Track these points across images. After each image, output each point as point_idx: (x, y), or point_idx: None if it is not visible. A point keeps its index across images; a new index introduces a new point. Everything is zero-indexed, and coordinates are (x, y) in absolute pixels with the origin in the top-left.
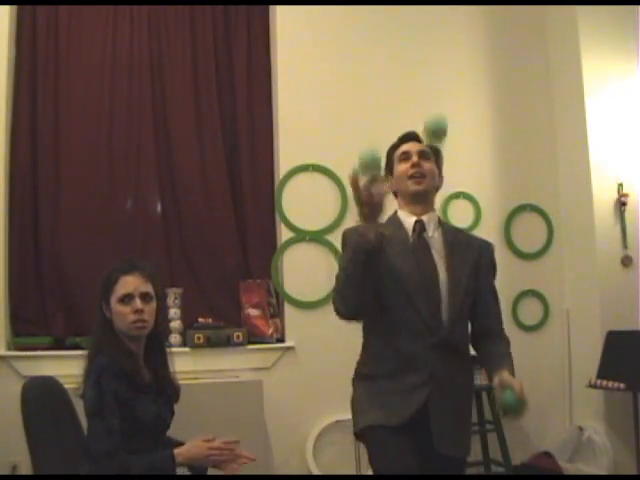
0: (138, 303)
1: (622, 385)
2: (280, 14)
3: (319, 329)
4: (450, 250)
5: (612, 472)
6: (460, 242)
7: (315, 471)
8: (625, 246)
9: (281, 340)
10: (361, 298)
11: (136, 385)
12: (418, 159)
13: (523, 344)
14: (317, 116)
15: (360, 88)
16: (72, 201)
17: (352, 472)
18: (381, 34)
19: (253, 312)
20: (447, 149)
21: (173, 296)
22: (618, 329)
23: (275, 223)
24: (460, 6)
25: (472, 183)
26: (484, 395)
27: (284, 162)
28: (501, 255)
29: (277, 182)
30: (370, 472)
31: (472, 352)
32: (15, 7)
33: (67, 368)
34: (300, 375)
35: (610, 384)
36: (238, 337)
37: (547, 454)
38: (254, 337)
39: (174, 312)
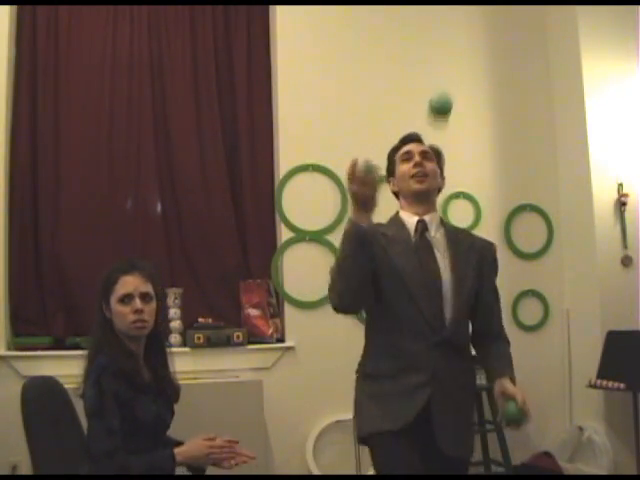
0: (138, 303)
1: (622, 385)
2: (280, 14)
3: (319, 329)
4: (453, 250)
5: (612, 472)
6: (462, 242)
7: (315, 471)
8: (625, 246)
9: (281, 340)
10: (350, 287)
11: (136, 385)
12: (420, 159)
13: (523, 344)
14: (317, 116)
15: (360, 88)
16: (72, 201)
17: (352, 472)
18: (381, 34)
19: (253, 312)
20: (447, 149)
21: (173, 296)
22: (618, 329)
23: (275, 223)
24: (460, 6)
25: (472, 183)
26: (484, 395)
27: (284, 162)
28: (501, 255)
29: (277, 182)
30: (370, 472)
31: (472, 352)
32: (15, 7)
33: (67, 368)
34: (300, 375)
35: (610, 384)
36: (238, 337)
37: (547, 454)
38: (254, 337)
39: (174, 312)
